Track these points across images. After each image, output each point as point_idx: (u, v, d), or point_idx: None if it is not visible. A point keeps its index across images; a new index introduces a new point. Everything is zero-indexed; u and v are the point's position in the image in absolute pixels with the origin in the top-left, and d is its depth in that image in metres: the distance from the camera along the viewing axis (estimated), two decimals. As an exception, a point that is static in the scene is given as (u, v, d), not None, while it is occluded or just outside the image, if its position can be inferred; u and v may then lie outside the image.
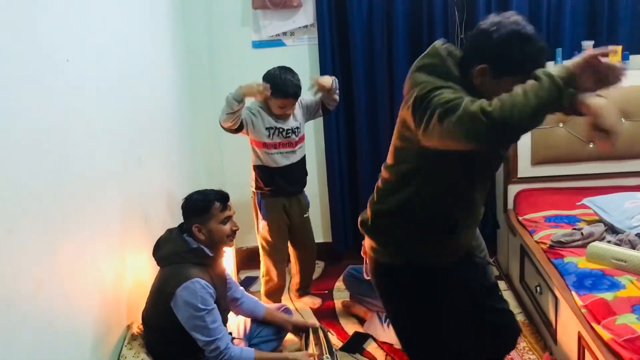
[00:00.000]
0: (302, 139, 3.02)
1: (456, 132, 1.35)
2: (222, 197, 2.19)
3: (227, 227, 2.18)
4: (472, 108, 1.33)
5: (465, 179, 1.64)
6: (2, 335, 1.34)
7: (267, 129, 2.90)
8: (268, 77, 2.85)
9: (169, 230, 2.23)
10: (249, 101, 2.99)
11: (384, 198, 1.75)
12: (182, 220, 2.27)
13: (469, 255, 1.86)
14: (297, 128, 2.98)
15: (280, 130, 2.92)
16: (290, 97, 2.83)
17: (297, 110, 2.99)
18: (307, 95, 3.03)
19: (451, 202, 1.66)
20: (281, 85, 2.81)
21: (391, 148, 1.71)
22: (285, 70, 2.86)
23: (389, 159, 1.73)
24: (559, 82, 1.35)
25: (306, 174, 3.13)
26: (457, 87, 1.47)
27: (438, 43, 1.61)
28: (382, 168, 1.77)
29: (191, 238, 2.16)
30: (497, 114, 1.30)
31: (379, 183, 1.80)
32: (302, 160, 3.07)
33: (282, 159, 2.96)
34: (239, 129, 2.87)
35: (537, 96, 1.32)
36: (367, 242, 1.85)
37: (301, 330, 2.58)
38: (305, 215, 3.12)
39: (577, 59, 1.43)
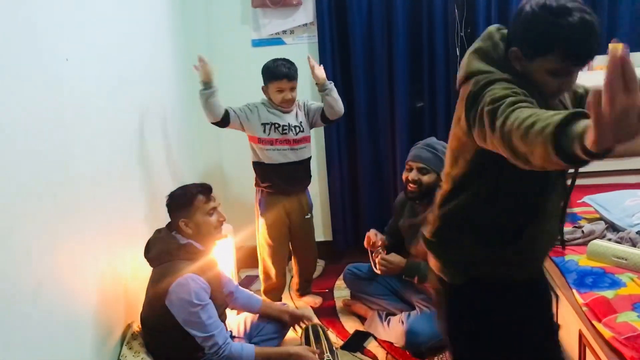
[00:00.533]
0: (304, 140, 3.00)
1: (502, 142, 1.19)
2: (205, 189, 2.19)
3: (213, 219, 2.18)
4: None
5: (529, 182, 1.46)
6: (2, 334, 1.34)
7: (262, 124, 2.91)
8: (263, 67, 2.92)
9: (158, 231, 2.22)
10: (254, 99, 3.00)
11: (441, 208, 1.60)
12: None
13: (537, 280, 1.71)
14: (296, 127, 2.96)
15: (276, 125, 2.92)
16: (283, 79, 2.86)
17: (300, 111, 2.99)
18: (313, 101, 3.06)
19: (513, 208, 1.50)
20: (272, 68, 2.88)
21: (448, 152, 1.55)
22: (282, 58, 2.92)
23: (447, 165, 1.57)
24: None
25: (309, 176, 3.11)
26: (511, 78, 1.34)
27: (493, 27, 1.48)
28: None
29: (180, 235, 2.16)
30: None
31: (437, 193, 1.65)
32: (304, 162, 3.05)
33: (278, 156, 2.94)
34: (224, 123, 2.90)
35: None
36: (431, 262, 1.68)
37: (298, 320, 2.59)
38: (306, 217, 3.11)
39: None
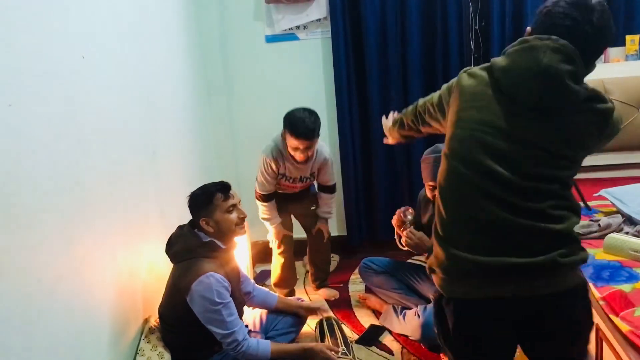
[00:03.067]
0: (312, 182, 3.07)
1: None
2: (223, 187, 2.20)
3: (233, 216, 2.19)
4: None
5: None
6: (23, 328, 1.36)
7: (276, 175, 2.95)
8: (287, 114, 2.78)
9: (180, 227, 2.24)
10: (267, 94, 3.03)
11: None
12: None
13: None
14: (307, 178, 2.99)
15: (287, 178, 2.96)
16: (300, 138, 2.70)
17: (315, 164, 2.93)
18: (329, 166, 3.01)
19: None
20: (294, 122, 2.72)
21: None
22: (307, 110, 2.76)
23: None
24: None
25: (313, 189, 3.16)
26: None
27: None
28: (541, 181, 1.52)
29: (202, 233, 2.18)
30: None
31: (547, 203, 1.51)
32: (306, 189, 3.12)
33: (284, 189, 3.06)
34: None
35: None
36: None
37: (313, 312, 2.62)
38: (312, 208, 3.14)
39: None
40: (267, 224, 3.05)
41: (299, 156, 2.80)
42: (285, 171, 2.92)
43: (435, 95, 1.74)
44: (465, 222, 1.52)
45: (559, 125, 1.51)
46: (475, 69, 1.58)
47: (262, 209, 3.01)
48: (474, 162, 1.50)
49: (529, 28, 1.56)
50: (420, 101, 1.84)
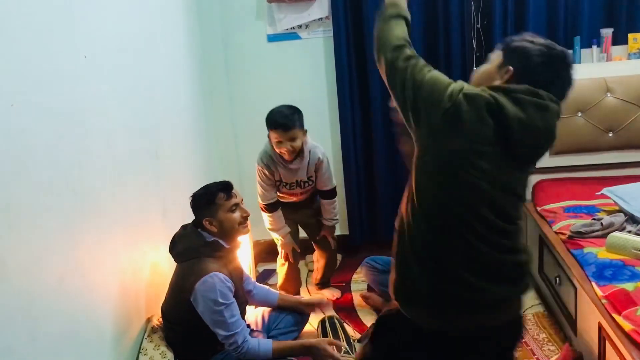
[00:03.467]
0: (313, 188, 3.01)
1: None
2: (225, 187, 2.20)
3: (236, 215, 2.19)
4: None
5: None
6: (27, 327, 1.37)
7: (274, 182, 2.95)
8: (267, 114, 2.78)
9: (184, 227, 2.24)
10: (269, 93, 3.01)
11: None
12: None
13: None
14: (305, 182, 2.93)
15: (284, 184, 2.93)
16: (278, 129, 2.68)
17: (310, 165, 2.89)
18: (325, 168, 2.93)
19: None
20: (270, 116, 2.72)
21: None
22: (287, 106, 2.76)
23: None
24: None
25: (317, 200, 3.10)
26: None
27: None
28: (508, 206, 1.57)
29: (205, 232, 2.18)
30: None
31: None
32: (311, 197, 3.08)
33: (285, 197, 3.03)
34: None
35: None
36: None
37: (314, 307, 2.64)
38: (317, 218, 3.10)
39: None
40: (274, 234, 3.03)
41: (284, 152, 2.75)
42: (280, 177, 2.89)
43: (425, 79, 1.56)
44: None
45: (528, 170, 1.62)
46: (473, 94, 1.49)
47: (267, 220, 2.99)
48: (461, 200, 1.50)
49: (512, 69, 1.55)
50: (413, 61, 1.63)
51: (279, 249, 3.07)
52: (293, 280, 3.17)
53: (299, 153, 2.80)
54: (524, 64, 1.54)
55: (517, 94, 1.49)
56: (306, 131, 2.80)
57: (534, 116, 1.48)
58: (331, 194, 3.01)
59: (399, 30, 1.73)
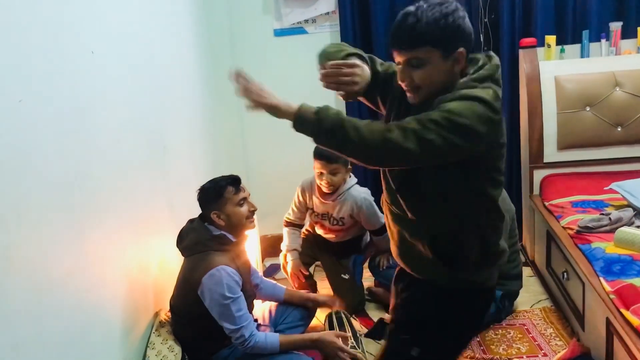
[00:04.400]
0: (342, 231, 2.96)
1: None
2: (234, 181, 2.20)
3: (244, 209, 2.20)
4: None
5: None
6: (34, 322, 1.38)
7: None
8: None
9: (190, 221, 2.25)
10: (276, 88, 3.00)
11: None
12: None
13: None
14: (334, 219, 2.90)
15: (315, 213, 2.95)
16: (322, 159, 2.70)
17: (346, 207, 2.85)
18: (367, 214, 2.86)
19: None
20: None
21: None
22: None
23: None
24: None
25: (354, 250, 3.04)
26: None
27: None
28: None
29: (212, 226, 2.18)
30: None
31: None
32: (345, 243, 3.02)
33: (319, 230, 3.04)
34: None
35: None
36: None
37: (321, 305, 2.63)
38: (343, 275, 2.99)
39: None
40: (283, 249, 3.03)
41: (323, 184, 2.80)
42: (312, 205, 2.95)
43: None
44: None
45: None
46: (498, 95, 1.48)
47: (284, 236, 3.03)
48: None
49: (462, 50, 1.43)
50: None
51: (285, 270, 3.02)
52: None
53: (335, 189, 2.83)
54: (463, 36, 1.42)
55: (496, 73, 1.49)
56: (350, 169, 2.82)
57: None
58: (379, 231, 2.90)
59: (366, 125, 1.39)
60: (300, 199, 2.98)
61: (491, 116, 1.38)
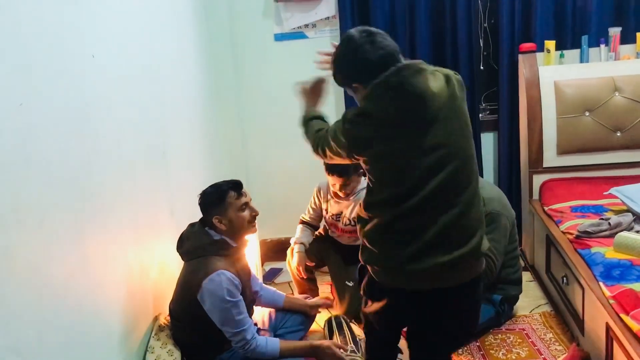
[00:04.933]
0: (357, 232, 2.97)
1: None
2: (235, 185, 2.20)
3: (246, 214, 2.20)
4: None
5: None
6: (34, 325, 1.38)
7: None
8: None
9: (191, 225, 2.25)
10: (277, 93, 3.00)
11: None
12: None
13: None
14: (348, 219, 2.94)
15: (330, 214, 3.01)
16: (334, 174, 2.78)
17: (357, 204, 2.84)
18: None
19: None
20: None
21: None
22: None
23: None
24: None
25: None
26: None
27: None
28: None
29: (213, 231, 2.18)
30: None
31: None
32: (356, 247, 3.00)
33: (332, 234, 3.08)
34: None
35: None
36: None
37: (320, 307, 2.65)
38: (347, 282, 2.96)
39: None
40: (292, 243, 3.07)
41: (338, 193, 2.90)
42: (327, 206, 3.01)
43: None
44: None
45: None
46: None
47: (296, 232, 3.09)
48: None
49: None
50: None
51: (290, 265, 3.04)
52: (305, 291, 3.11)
53: (355, 189, 2.92)
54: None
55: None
56: (362, 173, 2.85)
57: None
58: None
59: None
60: (316, 199, 3.04)
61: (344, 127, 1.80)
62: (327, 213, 3.03)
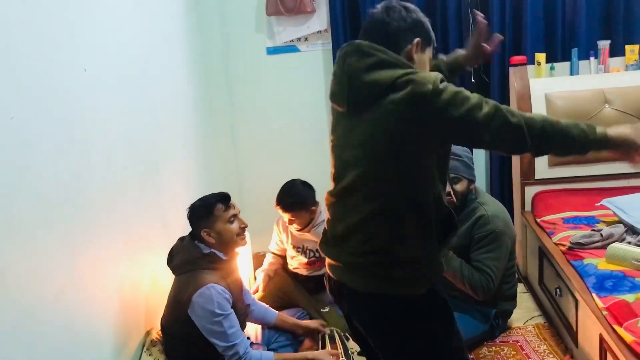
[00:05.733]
0: (321, 261, 2.83)
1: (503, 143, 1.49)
2: (223, 198, 2.19)
3: (234, 226, 2.18)
4: (514, 120, 1.43)
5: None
6: (24, 340, 1.36)
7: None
8: None
9: (181, 239, 2.24)
10: (269, 106, 2.98)
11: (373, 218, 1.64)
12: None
13: None
14: (311, 251, 2.91)
15: (292, 245, 2.96)
16: (279, 205, 2.79)
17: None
18: None
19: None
20: (281, 188, 2.84)
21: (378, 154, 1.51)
22: (301, 183, 2.86)
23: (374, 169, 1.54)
24: (604, 141, 1.49)
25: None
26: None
27: (359, 43, 1.57)
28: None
29: (203, 244, 2.17)
30: (538, 142, 1.45)
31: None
32: (319, 277, 2.86)
33: (296, 269, 3.04)
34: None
35: (582, 144, 1.49)
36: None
37: (313, 332, 2.58)
38: (323, 310, 2.91)
39: (624, 132, 1.49)
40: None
41: (289, 224, 2.87)
42: (287, 237, 2.98)
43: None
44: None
45: None
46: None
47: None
48: None
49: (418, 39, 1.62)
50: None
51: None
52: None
53: (308, 223, 2.85)
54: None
55: None
56: (316, 204, 2.83)
57: None
58: None
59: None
60: (277, 233, 3.03)
61: None
62: (286, 244, 3.00)
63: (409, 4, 1.62)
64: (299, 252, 2.95)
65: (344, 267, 1.62)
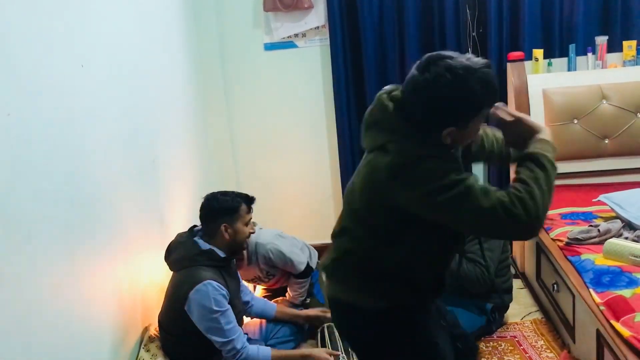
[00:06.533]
0: (284, 275, 2.85)
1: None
2: (249, 200, 2.25)
3: (248, 229, 2.23)
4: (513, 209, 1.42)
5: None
6: (22, 337, 1.36)
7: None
8: None
9: (179, 235, 2.24)
10: (266, 102, 2.96)
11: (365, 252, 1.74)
12: (196, 223, 2.28)
13: None
14: (263, 278, 2.83)
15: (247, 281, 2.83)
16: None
17: (261, 263, 2.74)
18: (281, 263, 2.74)
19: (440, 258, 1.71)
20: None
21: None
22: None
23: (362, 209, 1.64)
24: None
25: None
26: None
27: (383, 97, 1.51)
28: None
29: (202, 240, 2.18)
30: (534, 214, 1.45)
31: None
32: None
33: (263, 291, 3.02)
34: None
35: (549, 185, 1.54)
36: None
37: (314, 321, 2.59)
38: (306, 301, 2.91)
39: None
40: None
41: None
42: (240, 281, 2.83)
43: None
44: None
45: None
46: None
47: None
48: None
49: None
50: None
51: None
52: None
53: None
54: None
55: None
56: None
57: None
58: (301, 275, 2.83)
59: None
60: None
61: None
62: (247, 285, 2.86)
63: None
64: (256, 282, 2.88)
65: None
